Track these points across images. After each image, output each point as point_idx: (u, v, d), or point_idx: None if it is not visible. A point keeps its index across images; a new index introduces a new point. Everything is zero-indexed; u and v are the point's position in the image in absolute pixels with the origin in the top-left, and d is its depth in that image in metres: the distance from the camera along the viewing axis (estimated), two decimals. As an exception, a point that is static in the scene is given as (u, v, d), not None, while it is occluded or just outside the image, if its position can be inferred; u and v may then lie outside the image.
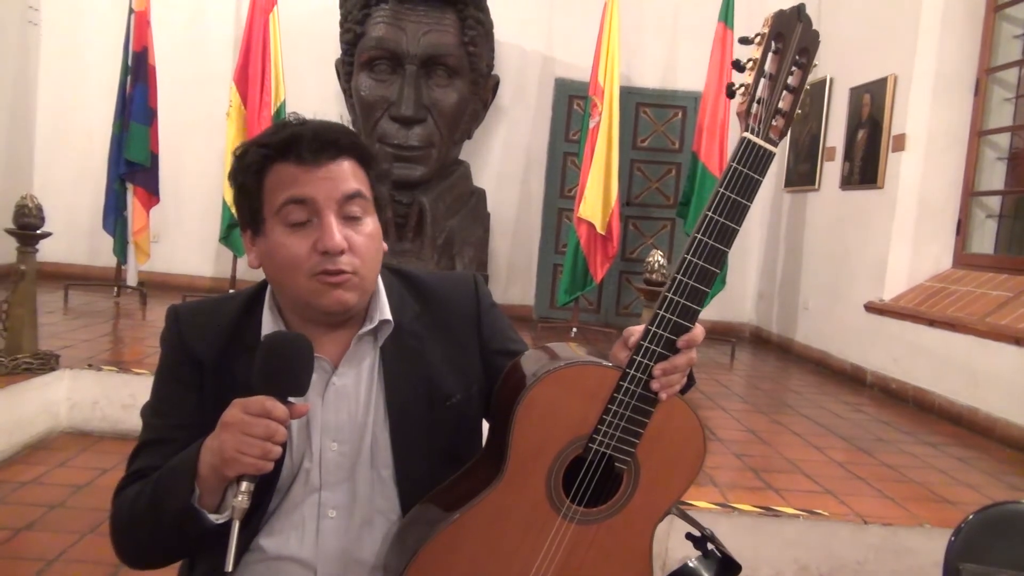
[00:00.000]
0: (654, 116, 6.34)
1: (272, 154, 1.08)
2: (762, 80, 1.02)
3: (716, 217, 1.02)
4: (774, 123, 1.02)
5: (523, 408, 1.03)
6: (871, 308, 4.78)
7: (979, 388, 3.83)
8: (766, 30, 1.01)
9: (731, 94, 1.04)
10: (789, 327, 5.97)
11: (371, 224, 1.11)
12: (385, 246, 1.16)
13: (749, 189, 1.02)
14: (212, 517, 1.01)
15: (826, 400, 4.34)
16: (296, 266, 1.06)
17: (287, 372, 0.99)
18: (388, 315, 1.16)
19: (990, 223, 4.51)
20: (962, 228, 4.56)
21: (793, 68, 1.02)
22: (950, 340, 4.05)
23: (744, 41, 1.04)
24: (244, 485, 0.96)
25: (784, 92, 1.02)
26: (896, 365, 4.52)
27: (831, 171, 5.50)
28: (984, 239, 4.53)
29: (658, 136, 6.37)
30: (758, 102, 1.02)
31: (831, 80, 5.55)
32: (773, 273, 6.32)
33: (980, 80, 4.49)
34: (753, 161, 1.01)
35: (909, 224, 4.64)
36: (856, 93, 5.17)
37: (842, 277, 5.22)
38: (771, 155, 1.02)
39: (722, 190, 1.01)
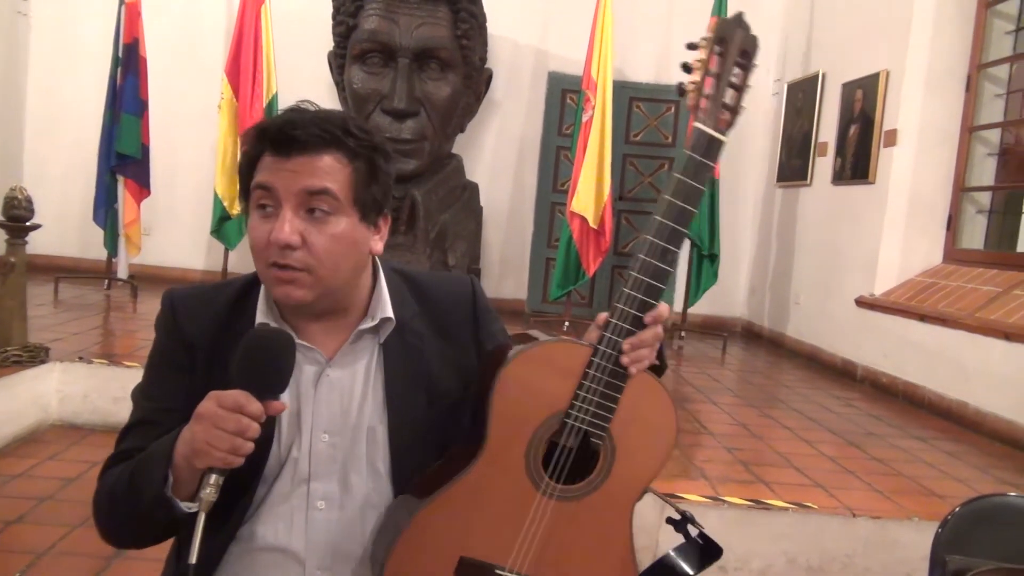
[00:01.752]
0: (647, 110, 6.34)
1: (258, 140, 1.09)
2: (707, 78, 1.12)
3: (675, 201, 1.11)
4: (722, 116, 1.12)
5: (500, 385, 1.07)
6: (862, 303, 4.80)
7: (969, 383, 3.85)
8: (710, 35, 1.12)
9: (682, 92, 1.14)
10: (780, 322, 5.99)
11: (342, 224, 1.07)
12: (379, 247, 1.15)
13: (702, 175, 1.11)
14: (184, 506, 1.02)
15: (817, 394, 4.36)
16: (257, 251, 1.08)
17: (266, 369, 0.99)
18: (390, 313, 1.17)
19: (980, 218, 4.53)
20: (953, 223, 4.58)
21: (736, 68, 1.13)
22: (940, 335, 4.07)
23: (691, 47, 1.15)
24: (213, 478, 0.96)
25: (729, 89, 1.12)
26: (887, 360, 4.54)
27: (823, 166, 5.51)
28: (974, 234, 4.55)
29: (651, 130, 6.36)
30: (706, 97, 1.12)
31: (823, 75, 5.55)
32: (765, 268, 6.34)
33: (971, 76, 4.50)
34: (705, 148, 1.11)
35: (900, 219, 4.66)
36: (848, 88, 5.18)
37: (833, 272, 5.24)
38: (721, 143, 1.12)
39: (678, 175, 1.11)
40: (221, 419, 0.96)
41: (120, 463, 1.11)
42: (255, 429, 0.97)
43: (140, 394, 1.18)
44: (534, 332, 1.20)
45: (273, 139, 1.06)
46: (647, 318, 1.10)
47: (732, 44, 1.12)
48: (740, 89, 1.13)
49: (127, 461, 1.10)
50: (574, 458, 1.11)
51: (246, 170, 1.11)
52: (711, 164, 1.11)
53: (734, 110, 1.12)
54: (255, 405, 0.97)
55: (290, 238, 1.03)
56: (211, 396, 0.98)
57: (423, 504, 1.06)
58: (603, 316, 1.11)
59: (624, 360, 1.09)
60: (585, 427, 1.09)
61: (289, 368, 1.01)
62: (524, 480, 1.09)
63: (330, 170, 1.06)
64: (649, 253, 1.10)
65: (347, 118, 1.11)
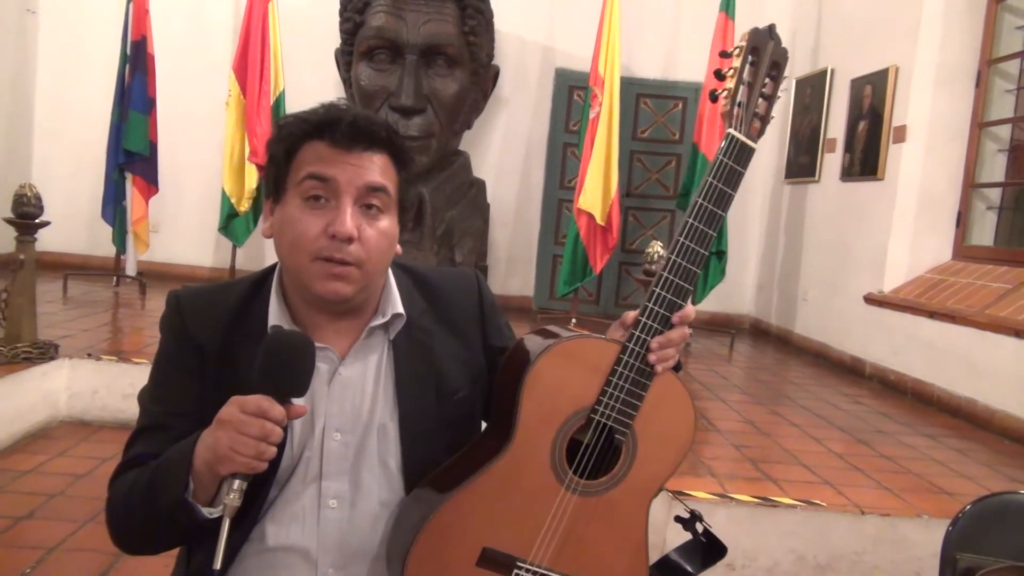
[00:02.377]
0: (654, 107, 6.33)
1: (309, 130, 1.09)
2: (741, 86, 1.15)
3: (705, 204, 1.14)
4: (753, 124, 1.16)
5: (531, 378, 1.09)
6: (870, 300, 4.78)
7: (978, 380, 3.83)
8: (744, 44, 1.15)
9: (714, 98, 1.18)
10: (788, 319, 5.98)
11: (387, 221, 1.11)
12: (399, 248, 1.16)
13: (733, 180, 1.15)
14: (205, 511, 1.02)
15: (825, 392, 4.35)
16: (302, 243, 1.07)
17: (287, 373, 0.98)
18: (401, 309, 1.17)
19: (990, 215, 4.51)
20: (962, 220, 4.56)
21: (767, 79, 1.16)
22: (949, 332, 4.05)
23: (724, 55, 1.19)
24: (237, 483, 0.96)
25: (760, 99, 1.16)
26: (895, 357, 4.52)
27: (831, 162, 5.49)
28: (984, 231, 4.53)
29: (658, 127, 6.35)
30: (738, 105, 1.15)
31: (832, 71, 5.53)
32: (772, 265, 6.32)
33: (981, 71, 4.48)
34: (737, 155, 1.14)
35: (909, 216, 4.64)
36: (857, 84, 5.16)
37: (842, 269, 5.22)
38: (752, 150, 1.15)
39: (711, 180, 1.14)
40: (244, 424, 0.95)
41: (131, 469, 1.10)
42: (278, 433, 0.96)
43: (148, 398, 1.16)
44: (553, 328, 1.22)
45: (344, 132, 1.07)
46: (675, 318, 1.13)
47: (765, 54, 1.15)
48: (770, 100, 1.17)
49: (139, 467, 1.09)
50: (597, 453, 1.13)
51: (284, 159, 1.10)
52: (742, 170, 1.15)
53: (764, 119, 1.16)
54: (277, 409, 0.96)
55: (353, 231, 1.05)
56: (233, 401, 0.97)
57: (450, 494, 1.07)
58: (631, 315, 1.14)
59: (651, 358, 1.11)
60: (611, 423, 1.11)
61: (310, 371, 1.00)
62: (548, 474, 1.10)
63: (385, 169, 1.10)
64: (679, 254, 1.13)
65: (386, 121, 1.14)
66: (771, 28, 1.16)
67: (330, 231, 1.05)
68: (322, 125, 1.08)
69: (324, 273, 1.07)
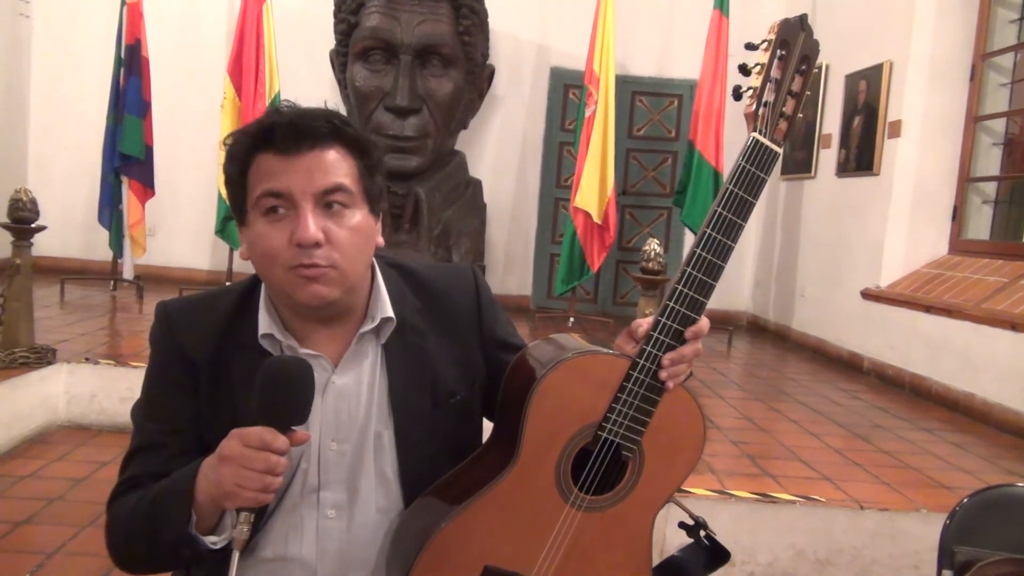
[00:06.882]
0: (650, 104, 6.33)
1: (252, 143, 1.05)
2: (768, 84, 1.07)
3: (725, 213, 1.06)
4: (779, 125, 1.07)
5: (538, 395, 1.05)
6: (868, 295, 4.79)
7: (975, 374, 3.84)
8: (772, 37, 1.06)
9: (738, 96, 1.09)
10: (786, 315, 5.98)
11: (357, 216, 1.06)
12: (381, 240, 1.13)
13: (755, 187, 1.07)
14: (209, 541, 1.01)
15: (823, 387, 4.35)
16: (273, 258, 1.03)
17: (288, 403, 0.96)
18: (390, 312, 1.13)
19: (986, 209, 4.51)
20: (958, 214, 4.56)
21: (795, 75, 1.07)
22: (946, 326, 4.05)
23: (750, 47, 1.10)
24: (243, 516, 0.95)
25: (787, 97, 1.07)
26: (893, 351, 4.53)
27: (827, 158, 5.49)
28: (980, 225, 4.53)
29: (654, 125, 6.35)
30: (764, 105, 1.06)
31: (827, 67, 5.53)
32: (770, 261, 6.32)
33: (976, 66, 4.48)
34: (760, 160, 1.06)
35: (905, 210, 4.64)
36: (852, 80, 5.16)
37: (839, 264, 5.22)
38: (777, 155, 1.07)
39: (731, 187, 1.06)
40: (249, 459, 0.93)
41: (130, 491, 1.08)
42: (283, 464, 0.95)
43: (141, 415, 1.13)
44: (559, 338, 1.18)
45: (285, 136, 1.02)
46: (688, 333, 1.08)
47: (795, 48, 1.06)
48: (799, 98, 1.08)
49: (138, 490, 1.07)
50: (603, 469, 1.10)
51: (239, 179, 1.06)
52: (765, 176, 1.07)
53: (791, 120, 1.08)
54: (281, 440, 0.94)
55: (316, 236, 1.01)
56: (234, 435, 0.95)
57: (451, 514, 1.05)
58: (643, 326, 1.09)
59: (663, 375, 1.07)
60: (618, 440, 1.07)
61: (310, 397, 0.98)
62: (553, 492, 1.08)
63: (340, 164, 1.05)
64: (695, 266, 1.06)
65: (332, 111, 1.07)
66: (803, 19, 1.07)
67: (295, 241, 1.02)
68: (262, 134, 1.04)
69: (300, 281, 1.03)
